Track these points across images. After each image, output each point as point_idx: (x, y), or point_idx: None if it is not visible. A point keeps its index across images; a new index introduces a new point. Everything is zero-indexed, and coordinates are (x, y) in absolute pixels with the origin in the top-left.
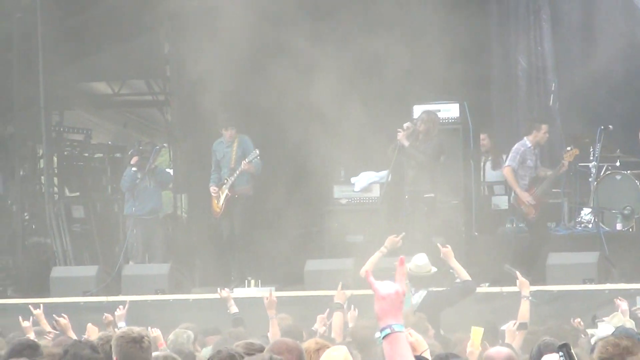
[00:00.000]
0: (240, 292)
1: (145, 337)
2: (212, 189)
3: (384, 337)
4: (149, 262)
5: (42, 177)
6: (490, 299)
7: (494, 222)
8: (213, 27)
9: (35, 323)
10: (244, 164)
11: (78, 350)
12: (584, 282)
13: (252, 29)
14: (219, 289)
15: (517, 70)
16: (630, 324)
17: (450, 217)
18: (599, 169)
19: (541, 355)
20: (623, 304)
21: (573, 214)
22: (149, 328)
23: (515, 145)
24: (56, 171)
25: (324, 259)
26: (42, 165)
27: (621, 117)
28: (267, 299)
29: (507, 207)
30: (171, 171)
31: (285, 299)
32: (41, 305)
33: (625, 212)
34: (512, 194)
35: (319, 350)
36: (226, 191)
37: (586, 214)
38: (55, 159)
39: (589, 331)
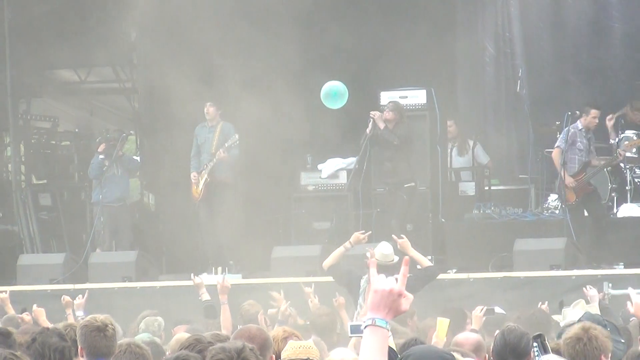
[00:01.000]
0: (208, 279)
1: (109, 325)
2: (193, 175)
3: (365, 327)
4: (116, 249)
5: (9, 165)
6: (457, 285)
7: (461, 208)
8: (178, 14)
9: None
10: (219, 153)
11: (46, 338)
12: (551, 268)
13: (219, 14)
14: (192, 274)
15: (485, 56)
16: (594, 309)
17: (417, 204)
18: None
19: (505, 340)
20: (592, 291)
21: (540, 200)
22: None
23: (567, 127)
24: (23, 159)
25: (291, 246)
26: (9, 153)
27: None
28: (219, 284)
29: (474, 194)
30: (138, 158)
31: (252, 286)
32: (7, 291)
33: None
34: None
35: (287, 338)
36: (205, 176)
37: (553, 200)
38: (22, 146)
39: (555, 317)
